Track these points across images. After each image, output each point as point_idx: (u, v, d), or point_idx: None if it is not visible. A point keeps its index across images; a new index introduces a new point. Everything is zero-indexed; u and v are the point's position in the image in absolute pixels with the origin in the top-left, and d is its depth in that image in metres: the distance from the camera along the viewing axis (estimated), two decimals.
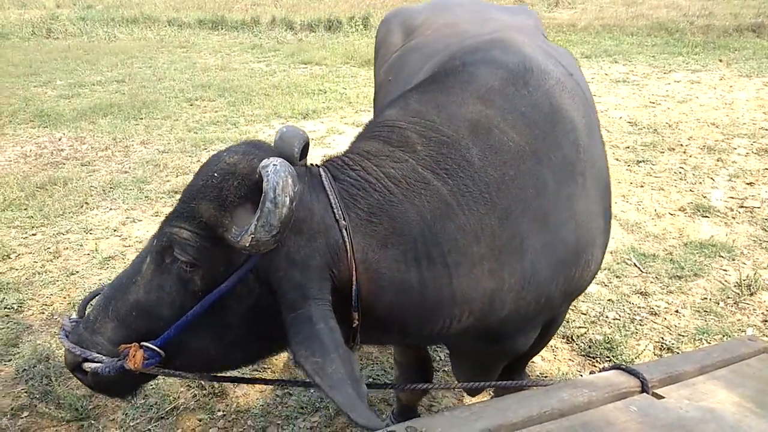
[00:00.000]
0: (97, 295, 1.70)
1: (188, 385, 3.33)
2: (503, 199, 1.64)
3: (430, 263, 1.58)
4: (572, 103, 1.87)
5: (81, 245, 4.86)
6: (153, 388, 3.28)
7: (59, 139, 7.50)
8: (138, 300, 1.54)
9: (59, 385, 3.28)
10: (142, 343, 1.50)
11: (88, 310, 1.67)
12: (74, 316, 1.68)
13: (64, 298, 4.15)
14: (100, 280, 4.32)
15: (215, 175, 1.48)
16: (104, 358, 1.54)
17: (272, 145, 1.65)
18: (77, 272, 4.45)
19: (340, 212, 1.54)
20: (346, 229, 1.52)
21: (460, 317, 1.69)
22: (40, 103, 9.08)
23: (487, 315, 1.73)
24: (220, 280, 1.47)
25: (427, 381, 2.73)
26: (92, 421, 3.09)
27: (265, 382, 1.93)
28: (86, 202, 5.66)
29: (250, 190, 1.46)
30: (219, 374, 1.79)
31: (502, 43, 1.98)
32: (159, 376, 1.76)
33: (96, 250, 4.72)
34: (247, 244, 1.37)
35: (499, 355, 2.20)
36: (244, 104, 8.96)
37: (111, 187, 6.00)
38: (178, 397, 3.24)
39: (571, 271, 1.86)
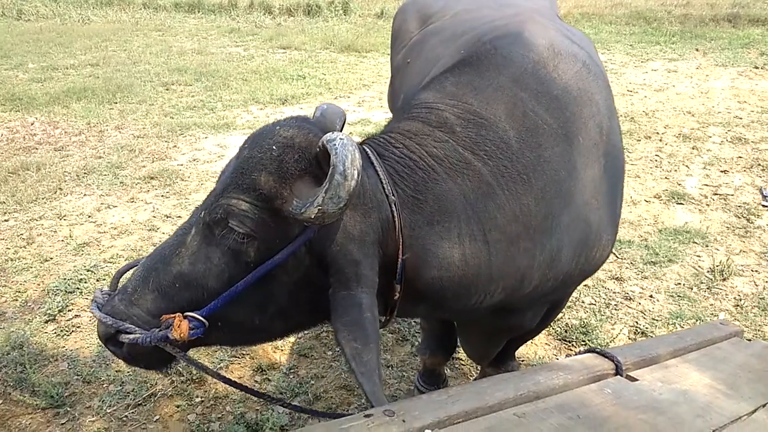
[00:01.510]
0: (131, 268, 1.68)
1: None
2: (539, 180, 1.70)
3: (472, 240, 1.63)
4: (597, 87, 1.93)
5: (55, 231, 4.77)
6: (130, 374, 3.25)
7: (32, 124, 7.34)
8: (182, 271, 1.53)
9: (34, 373, 3.23)
10: (187, 314, 1.49)
11: (123, 283, 1.65)
12: (106, 288, 1.66)
13: (38, 285, 4.08)
14: (74, 266, 4.25)
15: (273, 147, 1.49)
16: (138, 329, 1.52)
17: (314, 119, 1.68)
18: (51, 259, 4.38)
19: (390, 188, 1.58)
20: (395, 205, 1.56)
21: (493, 293, 1.75)
22: (12, 86, 8.87)
23: (516, 291, 1.79)
24: (274, 251, 1.48)
25: (452, 345, 2.82)
26: (68, 408, 3.05)
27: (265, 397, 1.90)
28: (60, 188, 5.56)
29: (309, 164, 1.49)
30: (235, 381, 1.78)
31: (529, 27, 2.00)
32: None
33: (70, 237, 4.65)
34: (313, 216, 1.39)
35: (506, 329, 2.27)
36: (221, 89, 8.85)
37: (85, 173, 5.90)
38: (156, 384, 3.22)
39: (592, 251, 1.92)
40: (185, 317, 1.48)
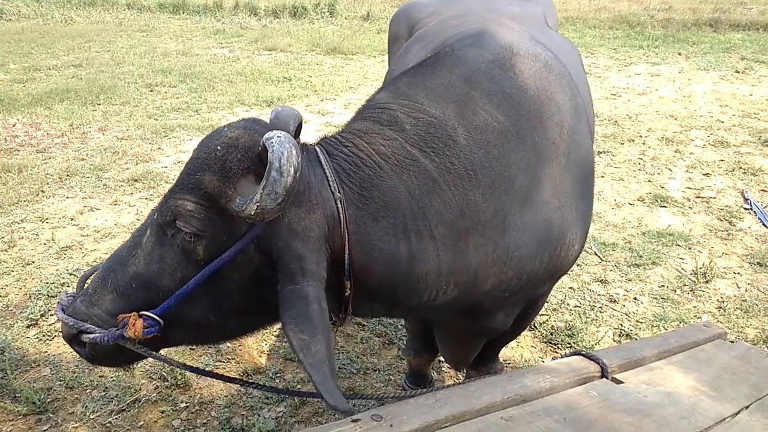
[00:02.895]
0: (95, 271, 1.73)
1: (150, 377, 3.27)
2: (487, 177, 1.71)
3: (418, 236, 1.65)
4: (559, 86, 1.95)
5: (37, 234, 4.71)
6: (113, 379, 3.22)
7: (13, 125, 7.24)
8: (138, 272, 1.58)
9: (15, 378, 3.18)
10: (142, 312, 1.54)
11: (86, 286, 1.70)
12: (71, 291, 1.71)
13: (20, 289, 4.02)
14: (56, 270, 4.20)
15: (218, 148, 1.52)
16: (98, 329, 1.57)
17: (269, 122, 1.70)
18: (33, 262, 4.32)
19: (335, 185, 1.61)
20: (340, 202, 1.60)
21: (446, 289, 1.76)
22: None
23: (471, 288, 1.81)
24: (222, 249, 1.52)
25: (436, 345, 2.82)
26: (50, 415, 3.01)
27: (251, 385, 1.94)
28: (42, 191, 5.49)
29: (253, 163, 1.52)
30: (209, 371, 1.84)
31: (492, 29, 2.05)
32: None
33: (52, 240, 4.59)
34: (252, 213, 1.42)
35: (479, 331, 2.29)
36: (206, 91, 8.80)
37: (68, 175, 5.83)
38: (140, 389, 3.18)
39: (556, 250, 1.93)
40: (140, 316, 1.53)
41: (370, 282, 1.67)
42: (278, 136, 1.44)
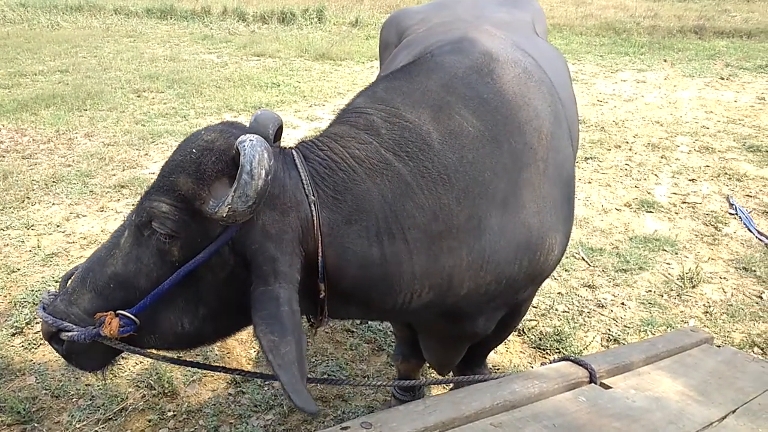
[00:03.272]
0: (77, 271, 1.75)
1: (137, 385, 3.24)
2: (461, 181, 1.73)
3: (391, 238, 1.67)
4: (538, 92, 1.98)
5: (22, 242, 4.66)
6: (100, 388, 3.18)
7: None
8: (116, 272, 1.61)
9: (0, 388, 3.15)
10: (118, 311, 1.56)
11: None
12: (53, 290, 1.73)
13: (5, 296, 3.98)
14: (42, 278, 4.16)
15: (193, 150, 1.54)
16: (76, 327, 1.59)
17: (248, 126, 1.71)
18: (18, 270, 4.27)
19: (309, 188, 1.63)
20: (314, 204, 1.61)
21: (420, 292, 1.78)
22: None
23: (446, 291, 1.82)
24: (197, 251, 1.53)
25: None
26: (35, 425, 2.97)
27: (236, 372, 1.98)
28: (28, 197, 5.44)
29: (227, 165, 1.53)
30: (191, 361, 1.86)
31: (473, 36, 2.08)
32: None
33: (38, 247, 4.54)
34: (225, 215, 1.44)
35: (461, 335, 2.29)
36: (194, 96, 8.77)
37: (54, 181, 5.78)
38: (127, 398, 3.15)
39: (535, 255, 1.95)
40: (117, 315, 1.56)
41: (344, 284, 1.68)
42: (250, 140, 1.46)
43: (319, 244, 1.60)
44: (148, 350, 1.73)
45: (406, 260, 1.69)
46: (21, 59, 10.99)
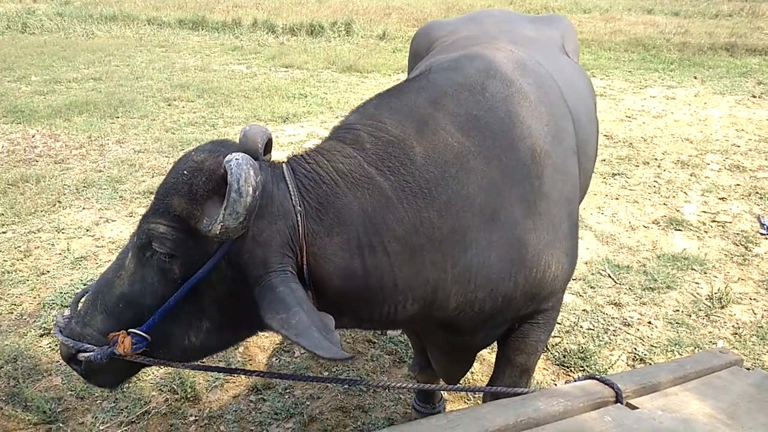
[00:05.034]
0: (86, 293, 1.81)
1: (160, 389, 3.28)
2: (443, 194, 1.76)
3: (371, 251, 1.71)
4: (533, 112, 2.00)
5: (52, 245, 4.76)
6: (123, 392, 3.22)
7: (33, 136, 7.36)
8: (123, 292, 1.68)
9: (27, 387, 3.20)
10: (129, 330, 1.63)
11: (79, 307, 1.79)
12: (67, 313, 1.80)
13: (34, 298, 4.06)
14: (71, 280, 4.24)
15: (185, 172, 1.61)
16: (94, 347, 1.66)
17: (238, 142, 1.76)
18: (48, 272, 4.36)
19: (296, 199, 1.68)
20: (300, 215, 1.67)
21: (404, 303, 1.81)
22: (14, 98, 8.91)
23: (431, 303, 1.85)
24: (197, 267, 1.60)
25: None
26: (60, 425, 3.02)
27: (245, 372, 2.05)
28: (59, 201, 5.56)
29: (217, 184, 1.59)
30: (202, 364, 1.89)
31: (475, 53, 2.12)
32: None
33: (68, 250, 4.64)
34: (218, 232, 1.51)
35: (463, 347, 2.32)
36: (223, 106, 8.90)
37: (85, 186, 5.90)
38: (150, 401, 3.19)
39: (531, 272, 1.95)
40: (128, 333, 1.63)
41: (329, 294, 1.73)
42: (236, 159, 1.52)
43: (304, 253, 1.66)
44: (158, 360, 1.77)
45: (387, 272, 1.73)
46: (56, 67, 11.28)
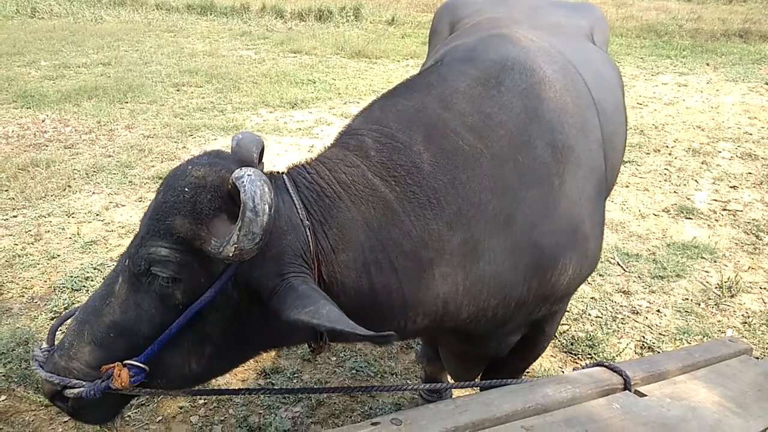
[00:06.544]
0: (64, 321, 1.70)
1: None
2: (452, 204, 1.66)
3: (378, 269, 1.61)
4: (557, 102, 1.86)
5: (63, 229, 4.79)
6: None
7: (42, 121, 7.39)
8: (115, 320, 1.53)
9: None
10: (126, 361, 1.49)
11: (61, 337, 1.65)
12: (44, 345, 1.63)
13: (45, 281, 4.09)
14: (81, 264, 4.27)
15: (186, 189, 1.48)
16: (84, 382, 1.51)
17: (231, 152, 1.66)
18: (58, 256, 4.39)
19: (303, 212, 1.58)
20: (308, 229, 1.56)
21: (414, 319, 1.72)
22: (24, 83, 8.93)
23: (441, 317, 1.75)
24: (201, 291, 1.48)
25: None
26: None
27: (248, 392, 1.94)
28: (69, 185, 5.59)
29: (224, 201, 1.48)
30: (200, 389, 1.80)
31: (491, 41, 1.97)
32: (137, 397, 1.70)
33: (78, 234, 4.67)
34: (231, 254, 1.39)
35: (476, 353, 2.25)
36: (231, 91, 8.89)
37: (94, 171, 5.92)
38: None
39: (546, 275, 1.85)
40: (125, 365, 1.48)
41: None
42: (248, 174, 1.40)
43: (315, 269, 1.56)
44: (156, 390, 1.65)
45: (396, 290, 1.63)
46: (65, 52, 11.29)
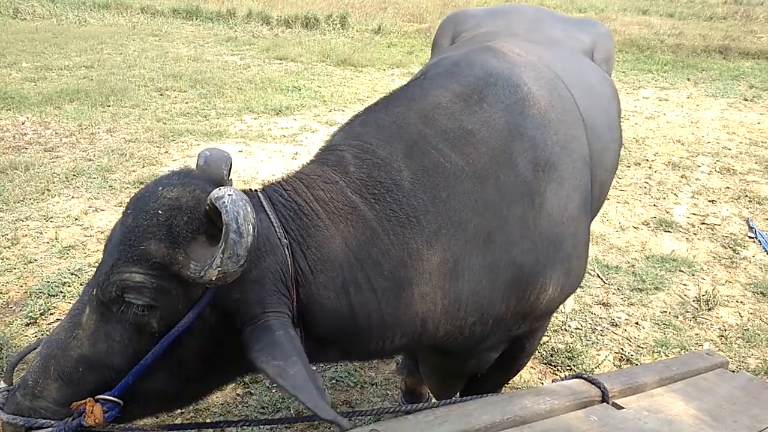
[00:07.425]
0: (22, 358, 1.63)
1: None
2: (432, 223, 1.64)
3: (357, 289, 1.59)
4: (541, 119, 1.85)
5: (40, 233, 4.72)
6: None
7: (22, 123, 7.29)
8: (83, 354, 1.44)
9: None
10: (98, 396, 1.42)
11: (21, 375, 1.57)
12: (2, 384, 1.54)
13: (21, 286, 4.02)
14: (58, 269, 4.20)
15: (159, 212, 1.41)
16: (53, 421, 1.43)
17: (198, 169, 1.62)
18: (35, 260, 4.32)
19: (281, 231, 1.55)
20: (287, 248, 1.53)
21: (392, 338, 1.70)
22: (4, 85, 8.80)
23: (419, 336, 1.74)
24: (178, 317, 1.42)
25: None
26: None
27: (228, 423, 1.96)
28: (48, 189, 5.51)
29: (201, 223, 1.43)
30: (184, 423, 1.75)
31: (476, 56, 1.95)
32: None
33: (56, 239, 4.60)
34: (214, 278, 1.34)
35: (456, 370, 2.23)
36: (216, 97, 8.84)
37: (74, 175, 5.85)
38: None
39: (525, 293, 1.84)
40: (97, 401, 1.41)
41: (316, 332, 1.61)
42: (229, 194, 1.34)
43: (294, 290, 1.53)
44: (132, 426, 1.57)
45: (375, 310, 1.61)
46: (48, 54, 11.16)
